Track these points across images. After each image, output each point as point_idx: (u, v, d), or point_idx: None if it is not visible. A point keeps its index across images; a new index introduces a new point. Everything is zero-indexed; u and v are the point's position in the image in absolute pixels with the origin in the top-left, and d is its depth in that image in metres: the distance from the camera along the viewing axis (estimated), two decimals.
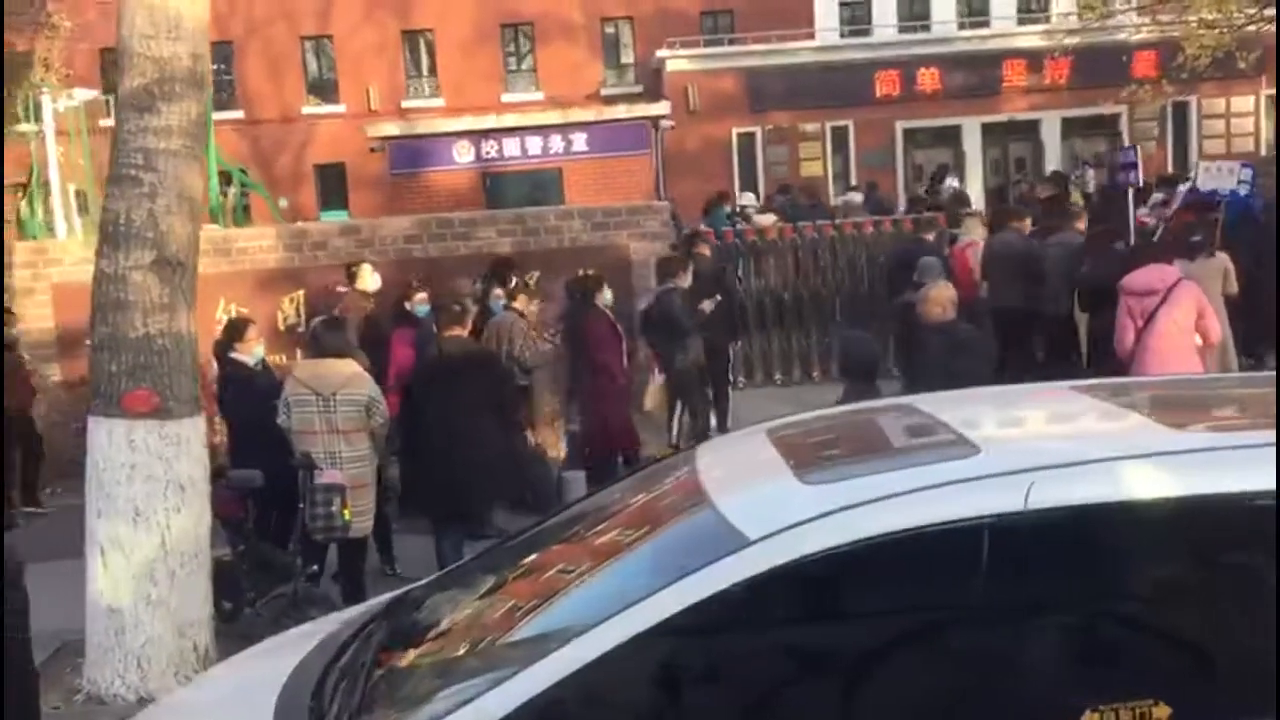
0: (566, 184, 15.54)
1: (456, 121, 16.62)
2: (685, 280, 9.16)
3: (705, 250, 10.12)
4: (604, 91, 28.22)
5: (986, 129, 26.79)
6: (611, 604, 2.73)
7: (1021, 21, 27.48)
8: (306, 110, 28.85)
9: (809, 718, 2.65)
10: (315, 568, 6.18)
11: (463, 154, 15.72)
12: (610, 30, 29.38)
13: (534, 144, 15.87)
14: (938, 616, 2.67)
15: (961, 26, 27.69)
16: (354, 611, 3.71)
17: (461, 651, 3.06)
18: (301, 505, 6.06)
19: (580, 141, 15.87)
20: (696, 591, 2.60)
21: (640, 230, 10.96)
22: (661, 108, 16.73)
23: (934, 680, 2.62)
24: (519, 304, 8.36)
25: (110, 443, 5.73)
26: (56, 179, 11.78)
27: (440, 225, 11.06)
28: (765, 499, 2.89)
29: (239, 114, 28.53)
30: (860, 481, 2.80)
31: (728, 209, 14.59)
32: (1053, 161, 26.72)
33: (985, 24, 27.88)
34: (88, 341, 7.11)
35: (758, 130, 26.52)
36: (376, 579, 6.91)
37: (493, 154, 15.79)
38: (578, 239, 10.85)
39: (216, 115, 27.20)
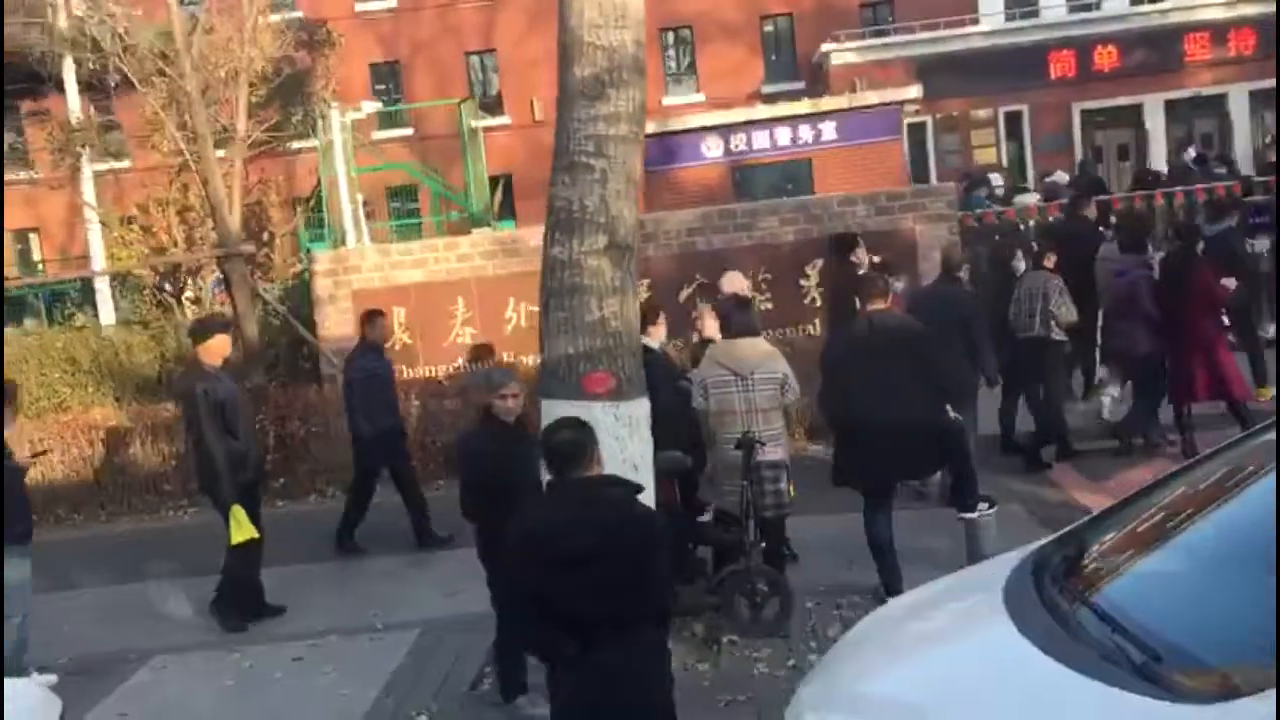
0: (816, 173, 15.53)
1: (709, 116, 16.72)
2: (1234, 219, 10.02)
3: (1091, 211, 10.14)
4: (764, 90, 28.12)
5: (1170, 106, 26.04)
6: None
7: None
8: (474, 124, 29.37)
9: None
10: (764, 544, 6.21)
11: (711, 149, 15.85)
12: (769, 28, 29.33)
13: (783, 135, 15.89)
14: None
15: (1136, 1, 26.96)
16: (1020, 552, 3.73)
17: None
18: (744, 483, 6.10)
19: (830, 130, 15.85)
20: None
21: (925, 213, 10.87)
22: (912, 91, 16.54)
23: None
24: (1048, 263, 8.69)
25: None
26: (346, 189, 12.23)
27: (723, 217, 11.13)
28: None
29: (408, 131, 29.21)
30: None
31: (984, 192, 14.44)
32: (1241, 136, 25.87)
33: None
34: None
35: (928, 119, 26.16)
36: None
37: (742, 147, 15.88)
38: (863, 224, 10.78)
39: (387, 133, 28.08)
